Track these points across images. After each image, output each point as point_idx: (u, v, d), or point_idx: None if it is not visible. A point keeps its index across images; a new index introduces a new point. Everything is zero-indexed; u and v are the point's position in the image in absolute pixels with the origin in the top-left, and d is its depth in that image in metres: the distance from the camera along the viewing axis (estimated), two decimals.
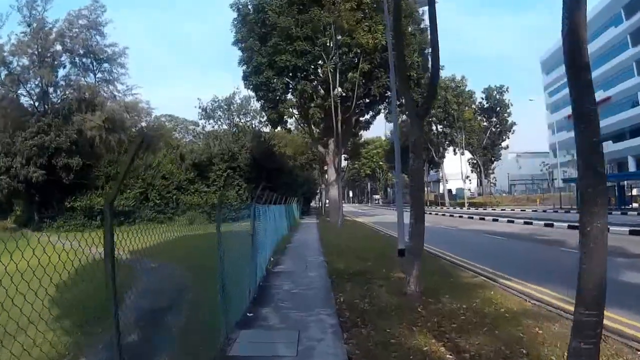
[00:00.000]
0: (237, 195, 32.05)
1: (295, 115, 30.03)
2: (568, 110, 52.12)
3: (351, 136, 37.54)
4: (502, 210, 37.04)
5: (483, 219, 24.49)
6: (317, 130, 32.57)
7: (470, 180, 53.43)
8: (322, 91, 28.74)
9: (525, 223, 20.77)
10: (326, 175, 39.23)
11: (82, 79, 31.80)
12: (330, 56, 24.72)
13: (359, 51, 24.64)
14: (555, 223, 19.17)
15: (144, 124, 38.76)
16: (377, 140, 73.96)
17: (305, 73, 26.12)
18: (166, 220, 28.40)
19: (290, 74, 25.98)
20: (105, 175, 29.83)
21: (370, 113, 31.84)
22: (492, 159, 53.93)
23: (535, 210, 33.58)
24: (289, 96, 27.53)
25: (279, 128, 31.62)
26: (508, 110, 56.28)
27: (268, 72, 25.21)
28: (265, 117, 33.95)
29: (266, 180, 32.34)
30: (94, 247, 2.84)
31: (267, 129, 42.57)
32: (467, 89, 53.75)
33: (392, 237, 17.41)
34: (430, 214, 35.13)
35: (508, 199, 51.39)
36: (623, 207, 28.01)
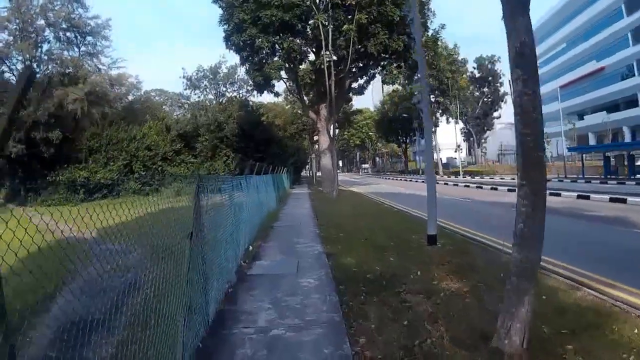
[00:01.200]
0: (225, 166, 29.44)
1: (284, 79, 25.68)
2: (560, 81, 48.84)
3: (345, 102, 33.68)
4: (501, 179, 33.56)
5: (496, 189, 20.89)
6: (307, 99, 28.72)
7: (461, 149, 50.27)
8: (312, 54, 24.53)
9: (552, 194, 17.10)
10: (316, 145, 35.62)
11: (65, 52, 29.52)
12: (321, 8, 20.42)
13: (353, 3, 20.25)
14: (591, 195, 15.68)
15: (130, 97, 36.76)
16: (366, 111, 70.40)
17: (293, 30, 21.64)
18: (152, 192, 25.83)
19: (277, 35, 21.50)
20: (88, 148, 27.70)
21: (365, 78, 27.61)
22: (485, 128, 50.42)
23: None
24: (276, 58, 23.21)
25: (265, 93, 27.45)
26: (500, 80, 53.36)
27: (251, 30, 20.87)
28: (251, 84, 29.94)
29: (255, 151, 29.23)
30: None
31: (255, 99, 39.23)
32: (459, 57, 49.97)
33: (400, 211, 13.96)
34: None
35: (504, 168, 48.07)
36: (633, 176, 24.60)
